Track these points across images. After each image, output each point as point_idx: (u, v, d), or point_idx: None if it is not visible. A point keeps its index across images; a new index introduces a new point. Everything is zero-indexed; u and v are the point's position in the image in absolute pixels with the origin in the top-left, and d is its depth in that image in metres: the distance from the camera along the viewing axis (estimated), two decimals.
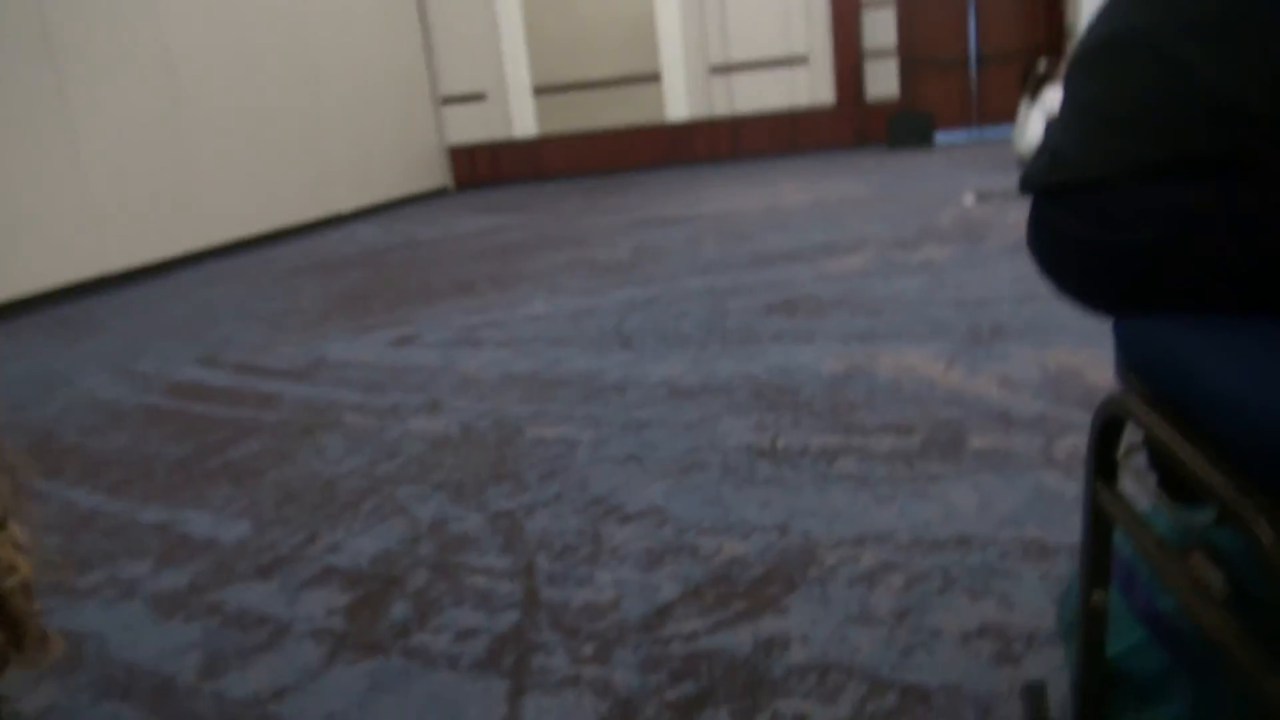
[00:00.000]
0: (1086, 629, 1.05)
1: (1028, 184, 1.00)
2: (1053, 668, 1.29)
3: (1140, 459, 1.01)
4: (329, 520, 2.06)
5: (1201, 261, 0.85)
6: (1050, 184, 0.95)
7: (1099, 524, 1.02)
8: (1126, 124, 0.89)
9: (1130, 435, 0.94)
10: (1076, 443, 2.00)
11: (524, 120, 11.25)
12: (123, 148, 6.21)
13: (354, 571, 1.80)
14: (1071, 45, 9.26)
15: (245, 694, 1.45)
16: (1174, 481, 1.07)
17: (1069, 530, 1.65)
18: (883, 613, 1.47)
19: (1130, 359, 0.95)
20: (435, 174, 10.99)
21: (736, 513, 1.86)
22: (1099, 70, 0.95)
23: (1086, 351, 2.56)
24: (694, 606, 1.55)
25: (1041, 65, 7.53)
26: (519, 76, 11.25)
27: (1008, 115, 8.56)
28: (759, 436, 2.25)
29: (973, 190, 6.13)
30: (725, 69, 10.67)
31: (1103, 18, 1.00)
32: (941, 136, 10.25)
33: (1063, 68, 7.50)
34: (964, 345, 2.78)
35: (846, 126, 10.75)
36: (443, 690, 1.40)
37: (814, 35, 10.71)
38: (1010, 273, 3.64)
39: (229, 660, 1.55)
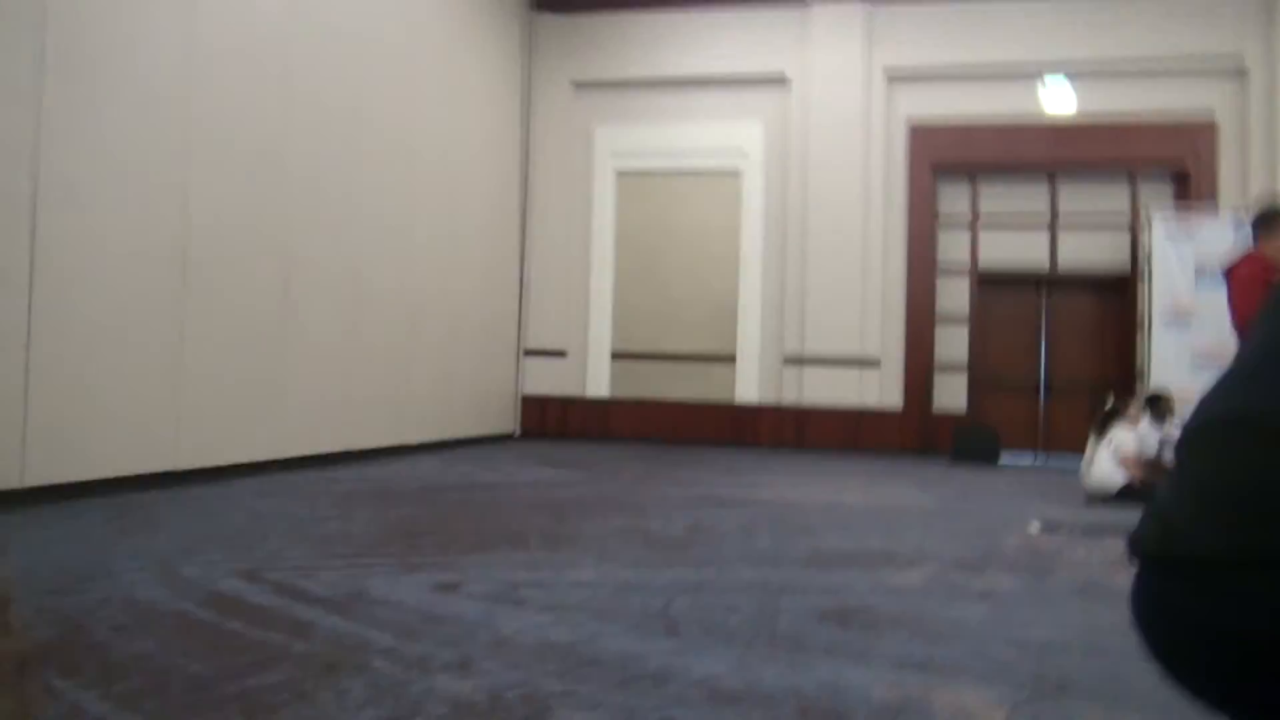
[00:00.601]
0: None
1: (1137, 548, 0.98)
2: None
3: None
4: None
5: None
6: (1165, 556, 0.92)
7: None
8: (1239, 507, 0.88)
9: None
10: None
11: (598, 380, 11.66)
12: (225, 352, 6.56)
13: None
14: (1142, 386, 9.42)
15: None
16: None
17: None
18: None
19: None
20: (505, 419, 11.30)
21: None
22: (1211, 449, 0.96)
23: None
24: None
25: (1109, 402, 7.62)
26: (601, 340, 11.79)
27: (1074, 445, 8.59)
28: None
29: (1039, 519, 6.03)
30: (798, 360, 11.04)
31: (1216, 395, 1.02)
32: (1006, 458, 10.25)
33: (1133, 407, 7.58)
34: (1027, 695, 2.61)
35: (911, 432, 10.87)
36: None
37: (888, 340, 11.11)
38: (1079, 616, 3.48)
39: None
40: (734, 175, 11.85)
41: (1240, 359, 1.01)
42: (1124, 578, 3.64)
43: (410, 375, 8.91)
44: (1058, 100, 11.01)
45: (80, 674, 2.50)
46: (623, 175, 12.16)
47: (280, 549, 4.21)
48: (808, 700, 2.50)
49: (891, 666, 2.82)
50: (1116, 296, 10.91)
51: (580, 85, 12.26)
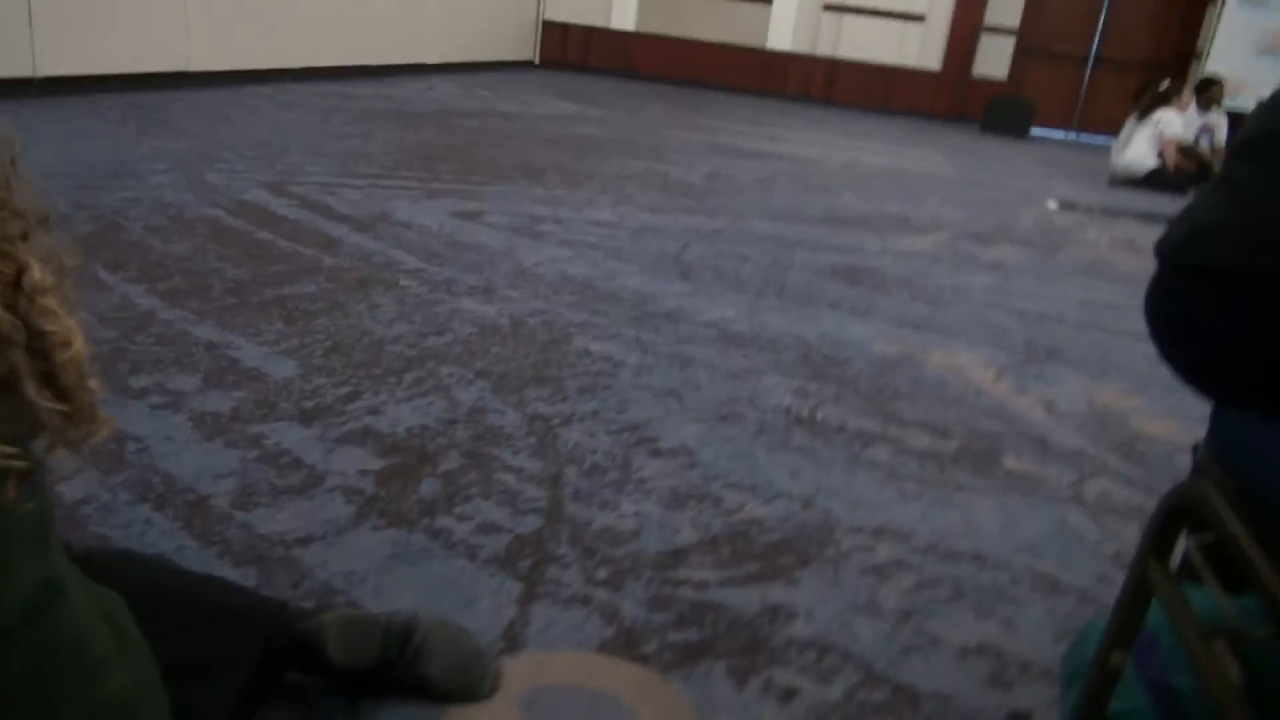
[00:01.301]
0: (1096, 684, 1.08)
1: (1164, 250, 0.99)
2: (1042, 702, 1.33)
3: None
4: (373, 380, 2.10)
5: None
6: (1192, 263, 0.94)
7: (1140, 593, 1.04)
8: None
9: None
10: (1107, 488, 2.01)
11: (624, 11, 10.97)
12: None
13: (390, 438, 1.85)
14: (1197, 70, 8.93)
15: (273, 532, 1.51)
16: (1223, 568, 1.08)
17: (1082, 572, 1.68)
18: (889, 608, 1.51)
19: (1220, 446, 0.96)
20: (524, 46, 10.80)
21: (765, 474, 1.90)
22: (1263, 163, 0.93)
23: (1138, 397, 2.55)
24: (709, 556, 1.59)
25: (1163, 85, 7.25)
26: None
27: (1111, 125, 8.30)
28: (799, 402, 2.27)
29: (1058, 196, 6.00)
30: (839, 7, 10.34)
31: (1273, 110, 0.97)
32: (1037, 130, 9.95)
33: (1185, 92, 7.23)
34: (1018, 359, 2.77)
35: (945, 96, 10.45)
36: (459, 577, 1.46)
37: None
38: (1079, 293, 3.59)
39: (262, 496, 1.61)
40: None
41: None
42: (1130, 261, 3.69)
43: None
44: None
45: (126, 269, 2.62)
46: None
47: (302, 163, 4.22)
48: (811, 347, 2.65)
49: (893, 323, 2.95)
50: None
51: None
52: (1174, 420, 2.37)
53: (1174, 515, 0.98)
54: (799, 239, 3.95)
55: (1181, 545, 1.03)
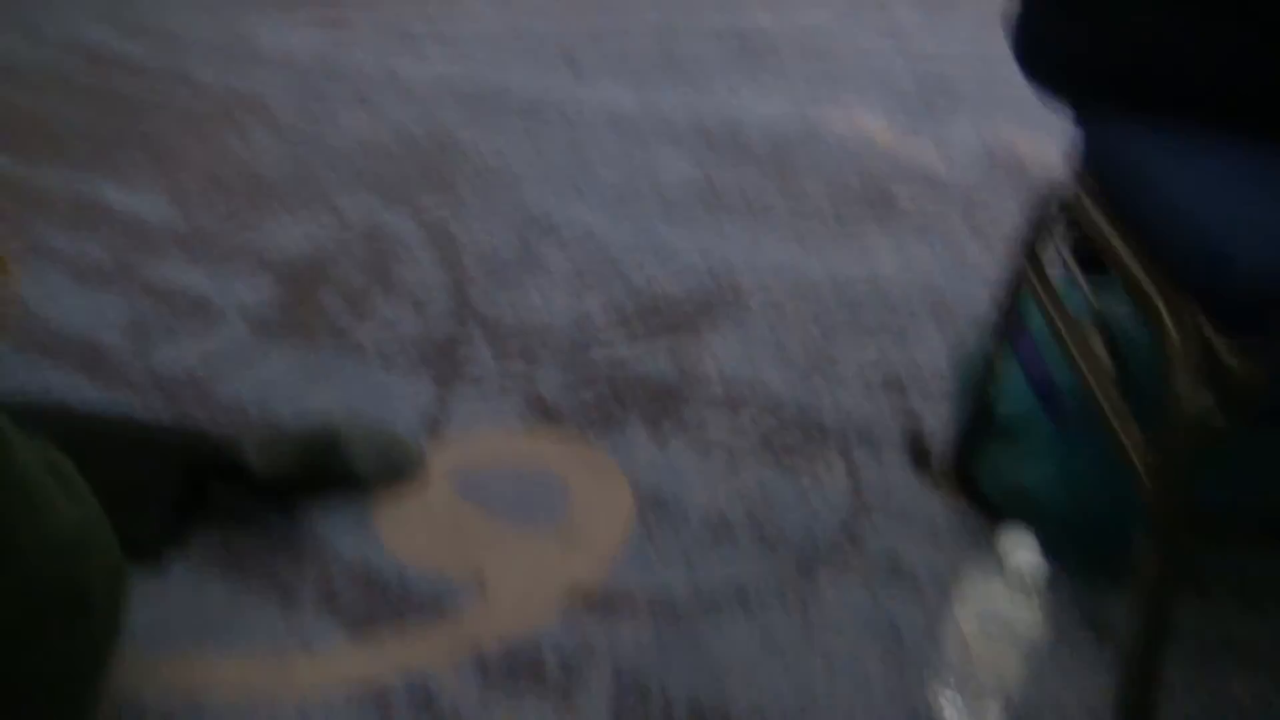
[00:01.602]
0: (982, 386, 1.16)
1: None
2: (939, 416, 1.42)
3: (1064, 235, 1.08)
4: (256, 209, 2.03)
5: (1199, 60, 0.88)
6: None
7: (1016, 292, 1.10)
8: None
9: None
10: (999, 217, 2.08)
11: None
12: None
13: (284, 262, 1.81)
14: None
15: (177, 368, 1.49)
16: (1090, 262, 1.15)
17: (977, 300, 1.76)
18: (795, 353, 1.57)
19: (1086, 149, 0.99)
20: None
21: (669, 247, 1.91)
22: None
23: (1026, 133, 2.59)
24: (621, 331, 1.62)
25: None
26: None
27: None
28: (698, 175, 2.26)
29: None
30: None
31: None
32: None
33: None
34: (913, 109, 2.78)
35: None
36: (373, 383, 1.47)
37: None
38: (975, 48, 3.57)
39: (160, 335, 1.57)
40: None
41: None
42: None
43: None
44: None
45: None
46: None
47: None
48: (704, 121, 2.62)
49: (786, 90, 2.92)
50: None
51: None
52: (1062, 151, 2.43)
53: (1045, 218, 1.02)
54: (691, 25, 3.81)
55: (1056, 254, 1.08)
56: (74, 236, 1.88)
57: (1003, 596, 0.86)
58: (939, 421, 1.40)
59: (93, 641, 0.83)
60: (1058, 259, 1.18)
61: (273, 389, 1.44)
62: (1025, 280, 1.09)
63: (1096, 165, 0.98)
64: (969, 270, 1.86)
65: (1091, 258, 1.09)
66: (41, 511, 0.80)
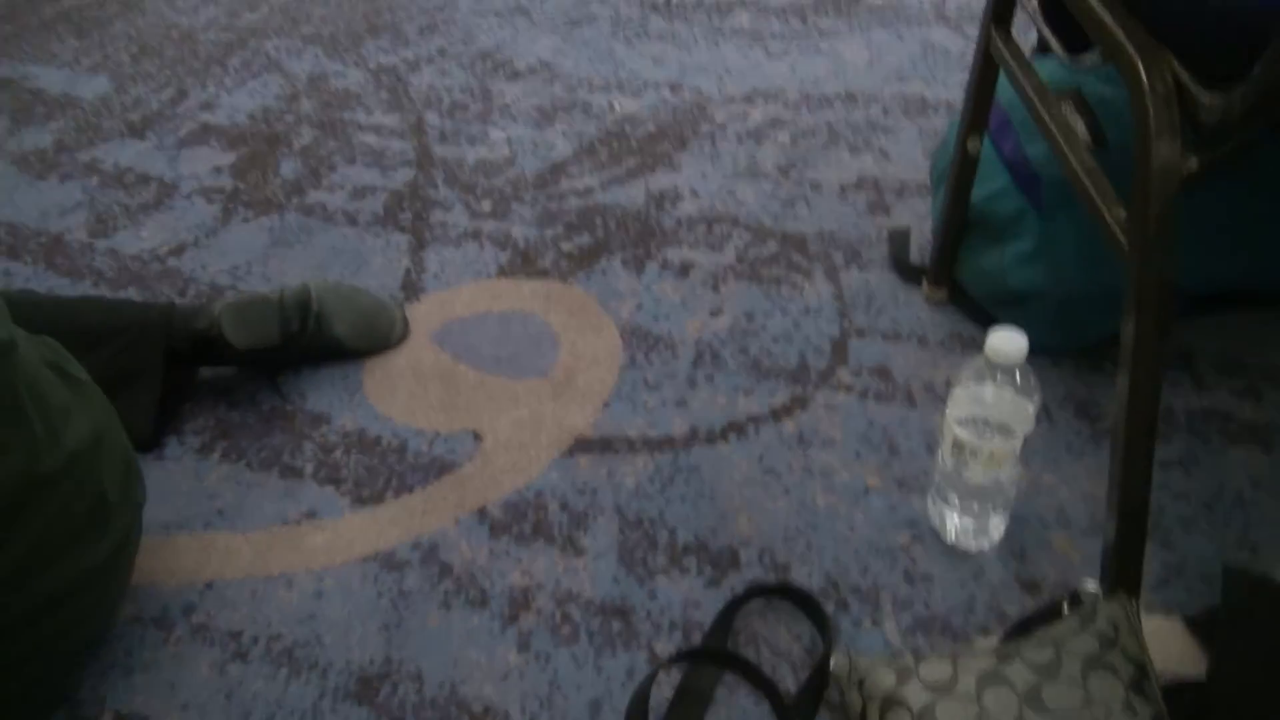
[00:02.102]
0: (958, 173, 1.13)
1: None
2: (918, 216, 1.40)
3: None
4: (196, 75, 1.92)
5: None
6: None
7: (986, 69, 1.06)
8: None
9: None
10: (967, 1, 1.98)
11: None
12: None
13: (233, 129, 1.73)
14: None
15: (141, 250, 1.45)
16: (1062, 30, 1.09)
17: (950, 87, 1.70)
18: (769, 167, 1.53)
19: None
20: None
21: (628, 68, 1.83)
22: None
23: None
24: (588, 163, 1.57)
25: None
26: None
27: None
28: None
29: None
30: None
31: None
32: None
33: None
34: None
35: None
36: (344, 245, 1.43)
37: None
38: None
39: (118, 218, 1.52)
40: None
41: None
42: None
43: None
44: None
45: None
46: None
47: None
48: None
49: None
50: None
51: None
52: None
53: None
54: None
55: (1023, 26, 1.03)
56: (11, 127, 1.80)
57: (994, 395, 0.87)
58: (915, 218, 1.38)
59: (114, 539, 0.85)
60: (1030, 29, 1.12)
61: (243, 261, 1.41)
62: (995, 53, 1.04)
63: None
64: (939, 58, 1.79)
65: (1062, 30, 1.04)
66: (55, 423, 0.79)
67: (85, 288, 1.38)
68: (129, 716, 0.86)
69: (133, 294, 1.36)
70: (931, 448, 1.05)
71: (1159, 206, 0.75)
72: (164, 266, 1.42)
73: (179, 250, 1.44)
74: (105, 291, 1.37)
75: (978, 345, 0.98)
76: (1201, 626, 0.83)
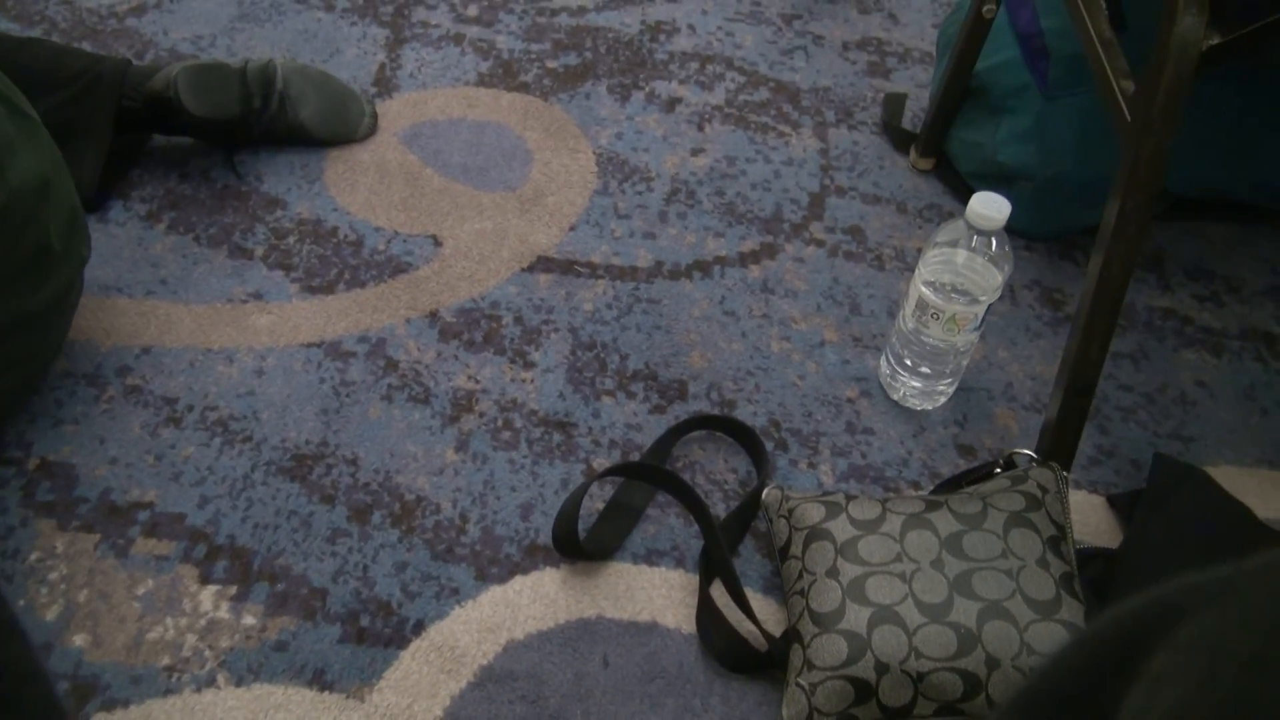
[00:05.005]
0: (967, 36, 1.09)
1: None
2: (917, 85, 1.35)
3: None
4: None
5: None
6: None
7: None
8: None
9: None
10: None
11: None
12: None
13: None
14: None
15: (99, 3, 1.36)
16: None
17: None
18: (772, 14, 1.46)
19: None
20: None
21: None
22: None
23: None
24: None
25: None
26: None
27: None
28: None
29: None
30: None
31: None
32: None
33: None
34: None
35: None
36: (317, 28, 1.35)
37: None
38: None
39: None
40: None
41: None
42: None
43: None
44: None
45: None
46: None
47: None
48: None
49: None
50: None
51: None
52: None
53: None
54: None
55: None
56: None
57: (965, 260, 0.86)
58: (917, 94, 1.34)
59: (54, 288, 0.82)
60: None
61: (207, 31, 1.33)
62: None
63: None
64: None
65: None
66: (2, 155, 0.75)
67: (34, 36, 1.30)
68: (55, 464, 0.85)
69: (87, 49, 1.28)
70: (893, 312, 1.04)
71: (1172, 78, 0.73)
72: (121, 24, 1.33)
73: (139, 10, 1.35)
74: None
75: (957, 216, 0.96)
76: (1122, 507, 0.86)
